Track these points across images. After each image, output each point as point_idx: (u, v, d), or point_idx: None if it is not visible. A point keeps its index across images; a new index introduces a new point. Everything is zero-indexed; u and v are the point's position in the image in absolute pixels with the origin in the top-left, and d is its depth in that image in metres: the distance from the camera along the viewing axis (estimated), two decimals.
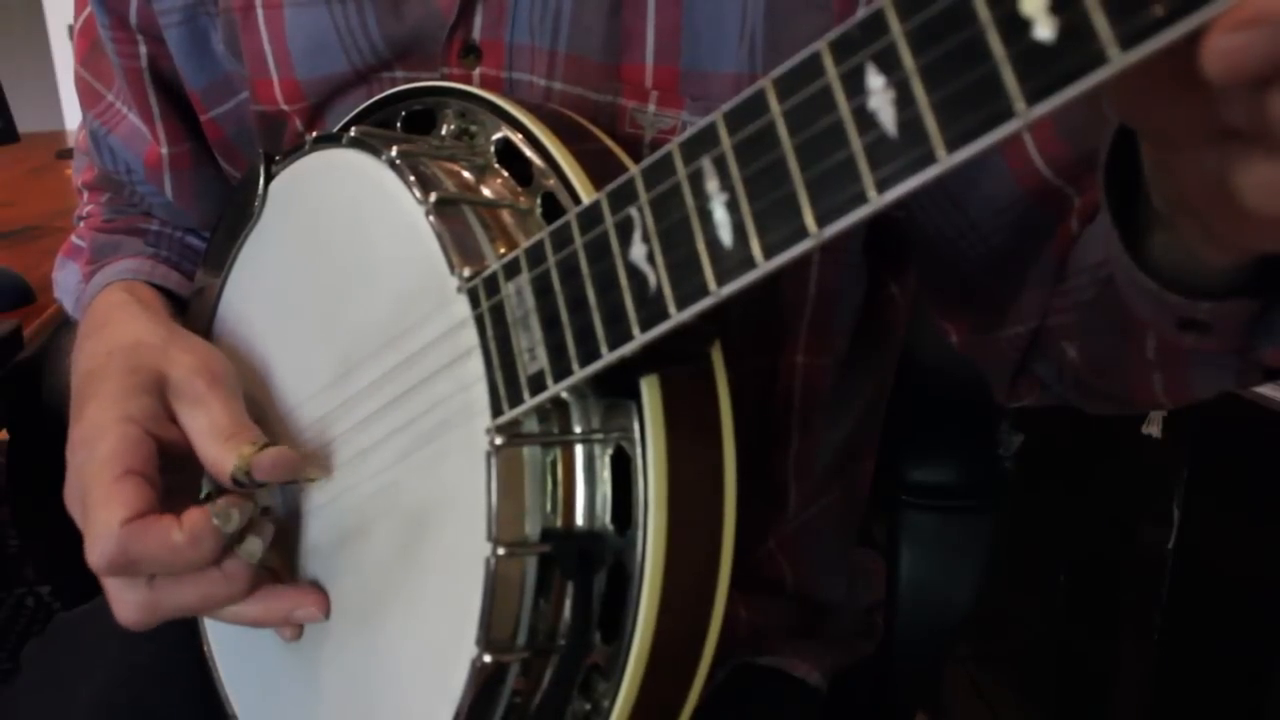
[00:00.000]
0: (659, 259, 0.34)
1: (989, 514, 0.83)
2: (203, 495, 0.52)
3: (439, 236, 0.43)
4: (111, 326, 0.57)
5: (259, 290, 0.56)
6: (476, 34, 0.55)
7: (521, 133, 0.46)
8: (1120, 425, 1.23)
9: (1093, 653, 1.39)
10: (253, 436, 0.48)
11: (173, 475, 0.49)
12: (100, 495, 0.46)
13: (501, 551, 0.40)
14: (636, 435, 0.40)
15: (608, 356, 0.36)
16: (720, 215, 0.31)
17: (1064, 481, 1.43)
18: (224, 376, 0.51)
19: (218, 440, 0.48)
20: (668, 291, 0.34)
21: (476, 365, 0.42)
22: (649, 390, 0.39)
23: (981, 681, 1.59)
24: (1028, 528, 1.46)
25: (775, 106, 0.29)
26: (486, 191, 0.46)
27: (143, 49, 0.66)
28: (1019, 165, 0.54)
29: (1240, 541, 1.15)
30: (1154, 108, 0.30)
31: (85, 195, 0.77)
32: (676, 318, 0.33)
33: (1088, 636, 1.41)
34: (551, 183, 0.44)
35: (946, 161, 0.26)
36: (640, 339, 0.35)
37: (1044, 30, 0.24)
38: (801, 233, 0.29)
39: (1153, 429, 1.18)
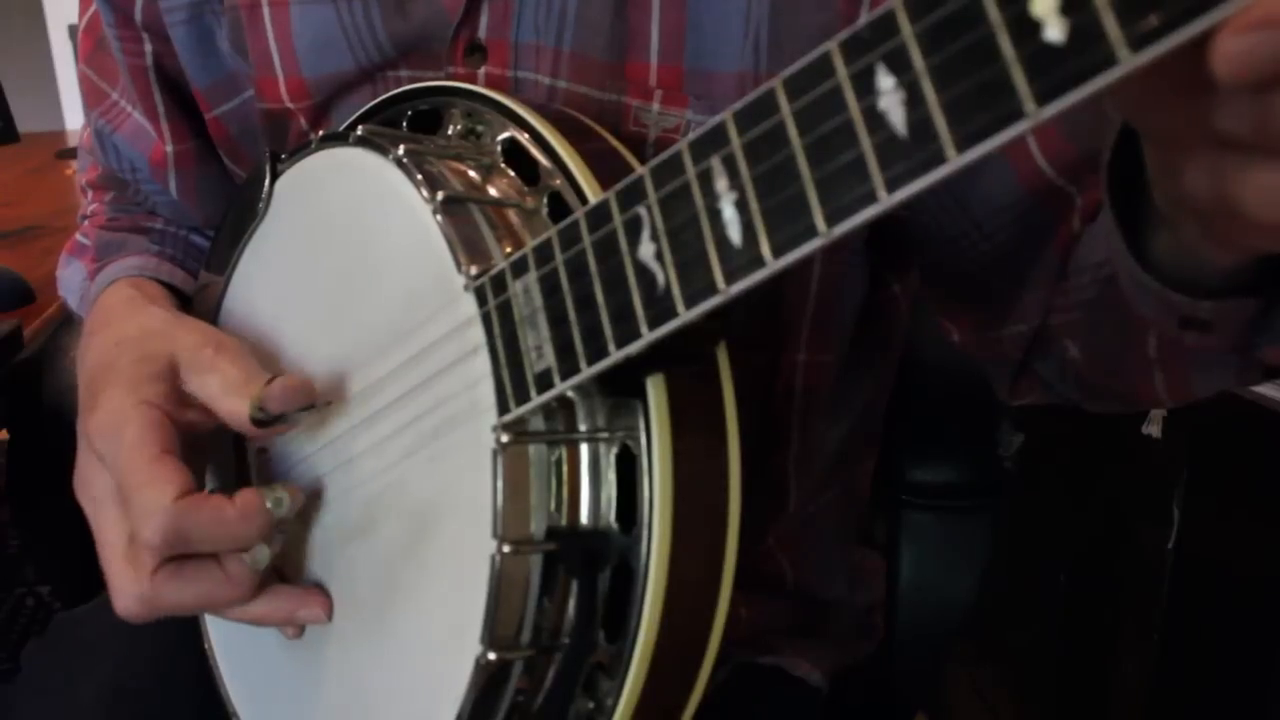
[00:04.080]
0: (667, 257, 0.34)
1: (989, 514, 0.83)
2: (208, 489, 0.53)
3: (446, 235, 0.43)
4: (118, 321, 0.57)
5: (264, 289, 0.57)
6: (482, 33, 0.55)
7: (528, 132, 0.46)
8: (1120, 425, 1.23)
9: (1093, 653, 1.39)
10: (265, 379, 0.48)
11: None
12: (142, 477, 0.46)
13: (506, 549, 0.40)
14: (642, 434, 0.40)
15: (615, 355, 0.36)
16: (729, 214, 0.32)
17: (1064, 481, 1.43)
18: (230, 343, 0.51)
19: (232, 394, 0.48)
20: (676, 290, 0.34)
21: (483, 363, 0.42)
22: (655, 389, 0.39)
23: (981, 681, 1.59)
24: (1028, 528, 1.46)
25: (785, 106, 0.29)
26: (493, 191, 0.46)
27: (148, 46, 0.66)
28: (1021, 164, 0.54)
29: (1240, 541, 1.15)
30: (1159, 109, 0.30)
31: (89, 194, 0.77)
32: (685, 316, 0.34)
33: (1088, 636, 1.41)
34: (558, 182, 0.44)
35: (956, 161, 0.26)
36: (648, 337, 0.35)
37: (1054, 31, 0.24)
38: (810, 232, 0.29)
39: (1153, 429, 1.18)
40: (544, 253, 0.39)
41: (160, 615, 0.49)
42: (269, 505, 0.46)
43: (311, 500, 0.52)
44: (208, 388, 0.49)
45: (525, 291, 0.40)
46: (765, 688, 0.68)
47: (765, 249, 0.31)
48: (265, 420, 0.47)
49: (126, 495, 0.47)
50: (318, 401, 0.49)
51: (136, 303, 0.59)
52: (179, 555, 0.47)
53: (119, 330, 0.55)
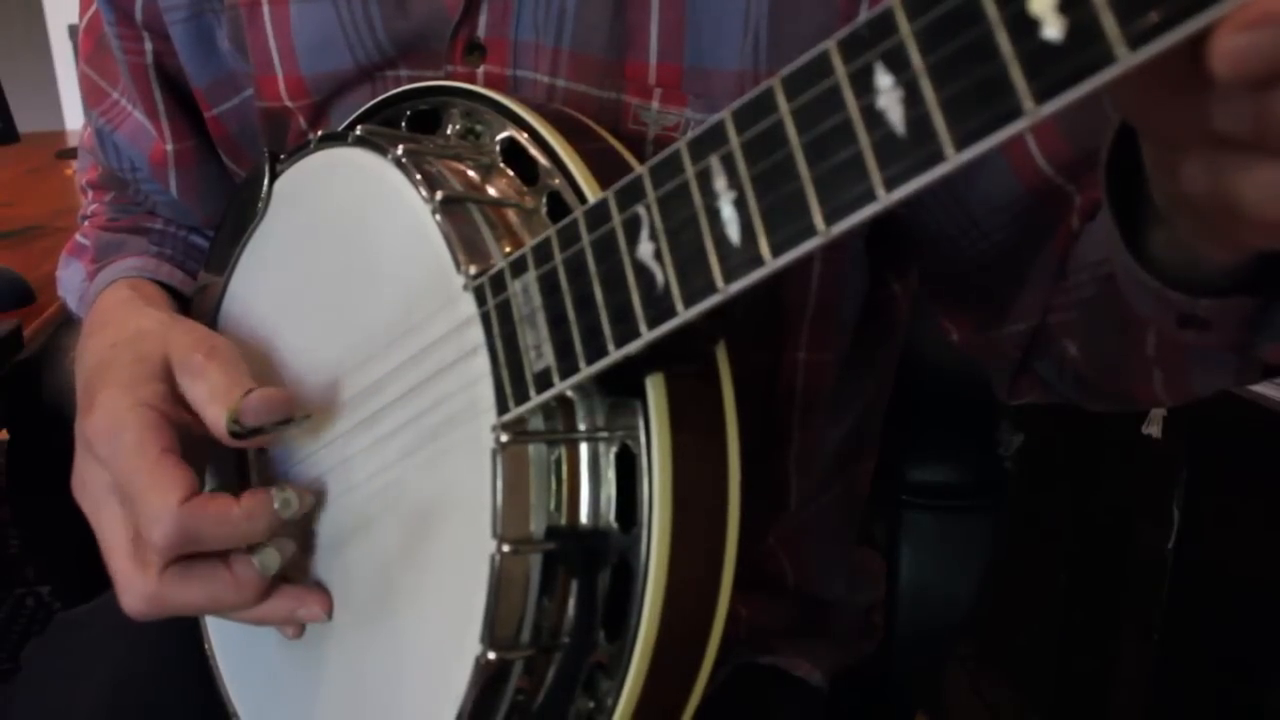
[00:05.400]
0: (666, 257, 0.34)
1: (989, 514, 0.83)
2: (207, 489, 0.53)
3: (445, 235, 0.43)
4: (115, 322, 0.57)
5: (263, 289, 0.57)
6: (481, 31, 0.55)
7: (527, 132, 0.46)
8: (1120, 425, 1.23)
9: (1093, 653, 1.39)
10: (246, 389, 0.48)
11: None
12: (146, 480, 0.46)
13: (506, 549, 0.40)
14: (641, 433, 0.40)
15: (614, 354, 0.36)
16: (728, 213, 0.32)
17: (1064, 481, 1.43)
18: (223, 349, 0.50)
19: (216, 402, 0.48)
20: (675, 289, 0.34)
21: (482, 363, 0.42)
22: (654, 389, 0.39)
23: (981, 681, 1.60)
24: (1028, 528, 1.46)
25: (784, 105, 0.29)
26: (492, 190, 0.46)
27: (148, 45, 0.66)
28: (1020, 163, 0.55)
29: (1240, 541, 1.15)
30: (1157, 107, 0.30)
31: (89, 194, 0.77)
32: (684, 315, 0.34)
33: (1088, 636, 1.41)
34: (557, 182, 0.44)
35: (955, 160, 0.26)
36: (647, 336, 0.35)
37: (1052, 29, 0.24)
38: (809, 231, 0.29)
39: (1153, 429, 1.18)
40: (543, 252, 0.39)
41: (168, 615, 0.49)
42: (276, 506, 0.47)
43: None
44: (195, 393, 0.49)
45: (524, 291, 0.40)
46: (765, 688, 0.68)
47: (764, 248, 0.31)
48: (241, 433, 0.47)
49: (131, 498, 0.47)
50: (296, 416, 0.48)
51: (134, 304, 0.59)
52: (187, 555, 0.47)
53: (116, 332, 0.55)
